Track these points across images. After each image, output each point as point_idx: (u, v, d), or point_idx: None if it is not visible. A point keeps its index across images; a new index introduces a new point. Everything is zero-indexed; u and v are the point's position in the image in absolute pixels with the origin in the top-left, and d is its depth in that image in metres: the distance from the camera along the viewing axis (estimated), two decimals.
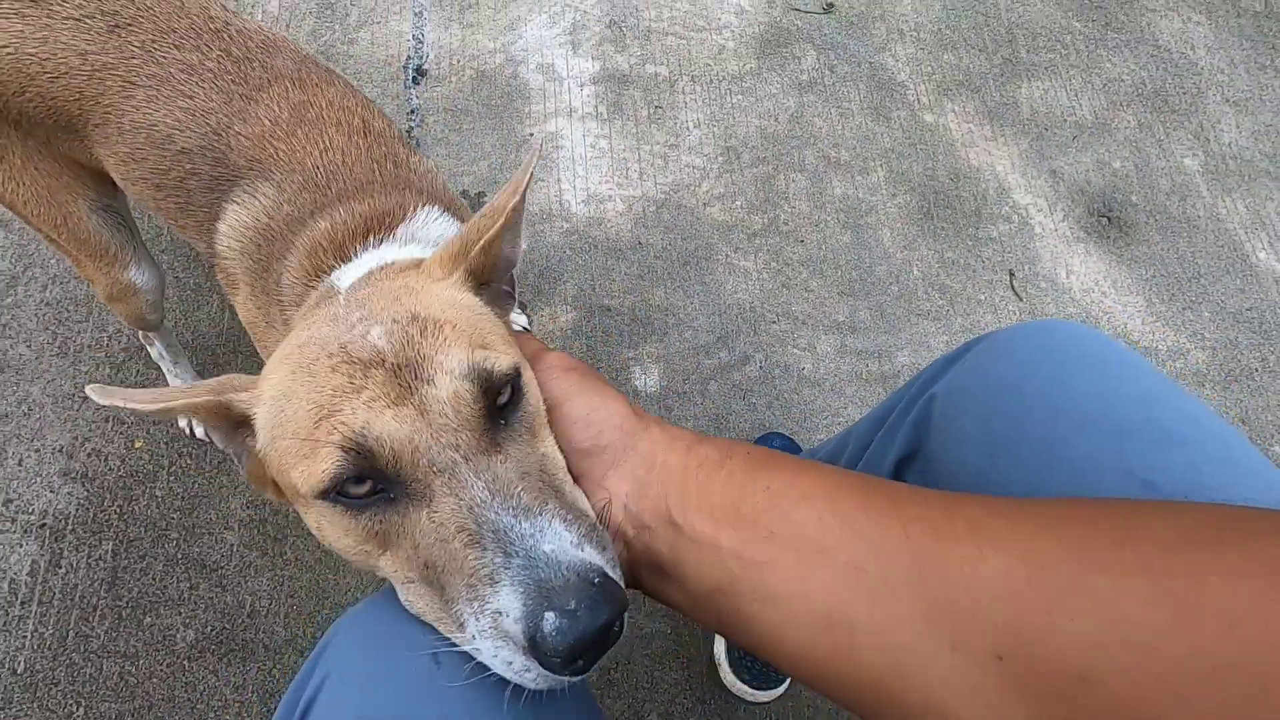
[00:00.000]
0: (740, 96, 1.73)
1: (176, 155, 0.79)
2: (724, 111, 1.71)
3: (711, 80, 1.74)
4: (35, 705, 1.11)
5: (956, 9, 1.93)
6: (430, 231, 0.76)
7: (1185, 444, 0.50)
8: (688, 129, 1.68)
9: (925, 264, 1.62)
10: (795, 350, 1.50)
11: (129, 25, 0.77)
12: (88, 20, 0.76)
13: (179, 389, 0.54)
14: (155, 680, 1.14)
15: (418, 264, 0.63)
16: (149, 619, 1.17)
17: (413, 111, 1.60)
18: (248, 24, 0.83)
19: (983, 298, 1.60)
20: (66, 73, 0.77)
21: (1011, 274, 1.64)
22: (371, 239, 0.72)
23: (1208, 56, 1.98)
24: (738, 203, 1.63)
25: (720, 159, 1.66)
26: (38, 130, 0.83)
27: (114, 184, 0.91)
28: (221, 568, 1.21)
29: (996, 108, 1.82)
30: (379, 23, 1.67)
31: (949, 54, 1.87)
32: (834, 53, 1.82)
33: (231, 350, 1.36)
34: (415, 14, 1.69)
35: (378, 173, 0.79)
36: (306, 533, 1.14)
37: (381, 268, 0.68)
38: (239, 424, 0.56)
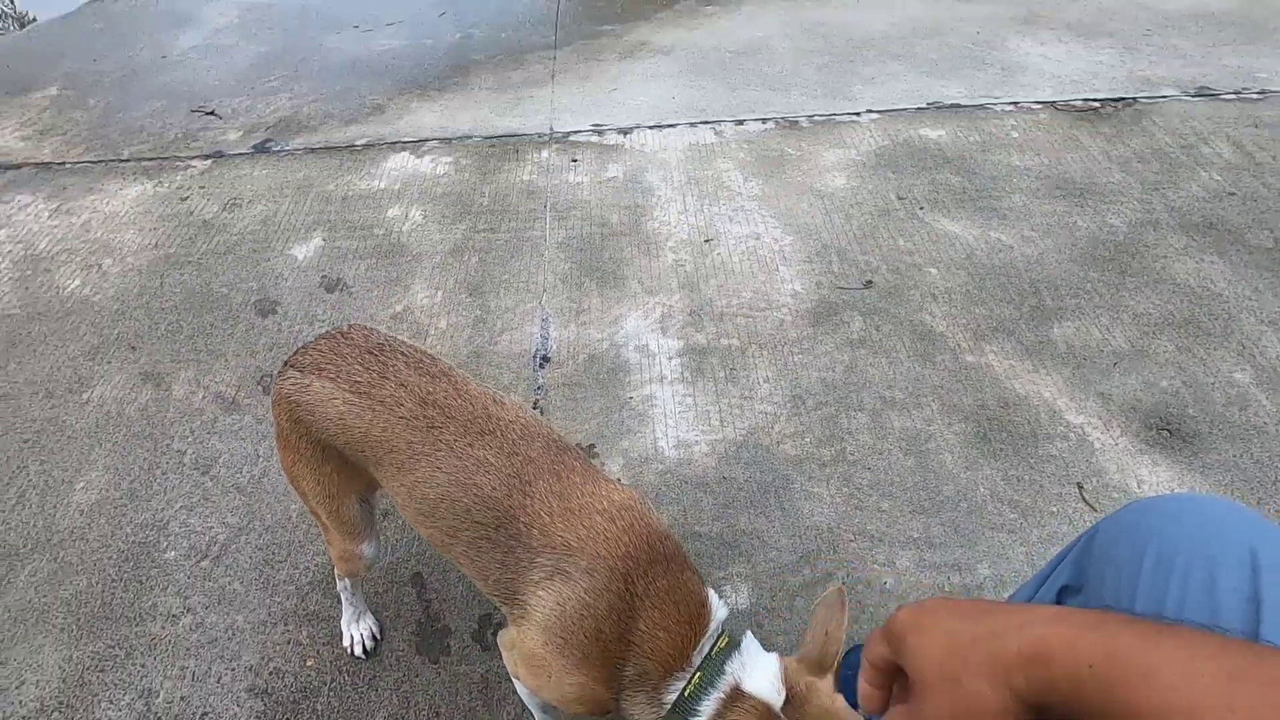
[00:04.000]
0: (801, 355, 2.09)
1: (472, 524, 1.04)
2: (788, 368, 2.06)
3: (776, 345, 2.12)
4: None
5: (980, 273, 2.30)
6: (723, 614, 0.99)
7: None
8: (759, 384, 2.02)
9: (990, 482, 1.76)
10: (875, 566, 1.62)
11: (440, 427, 1.08)
12: (414, 420, 1.08)
13: None
14: None
15: (811, 673, 0.88)
16: None
17: (538, 388, 2.05)
18: (507, 414, 1.11)
19: (1054, 509, 1.69)
20: (392, 450, 1.11)
21: (1080, 486, 1.74)
22: (707, 641, 0.95)
23: (1230, 287, 2.20)
24: (807, 439, 1.88)
25: (789, 405, 1.96)
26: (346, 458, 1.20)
27: (377, 484, 1.22)
28: None
29: (1033, 346, 2.07)
30: (516, 328, 2.22)
31: (979, 308, 2.19)
32: (877, 316, 2.18)
33: (388, 580, 1.65)
34: (542, 320, 2.24)
35: (644, 545, 1.00)
36: None
37: (790, 677, 0.90)
38: None
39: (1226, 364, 1.98)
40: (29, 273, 2.52)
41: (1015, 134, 2.87)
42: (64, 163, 3.03)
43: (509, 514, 1.04)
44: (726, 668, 0.95)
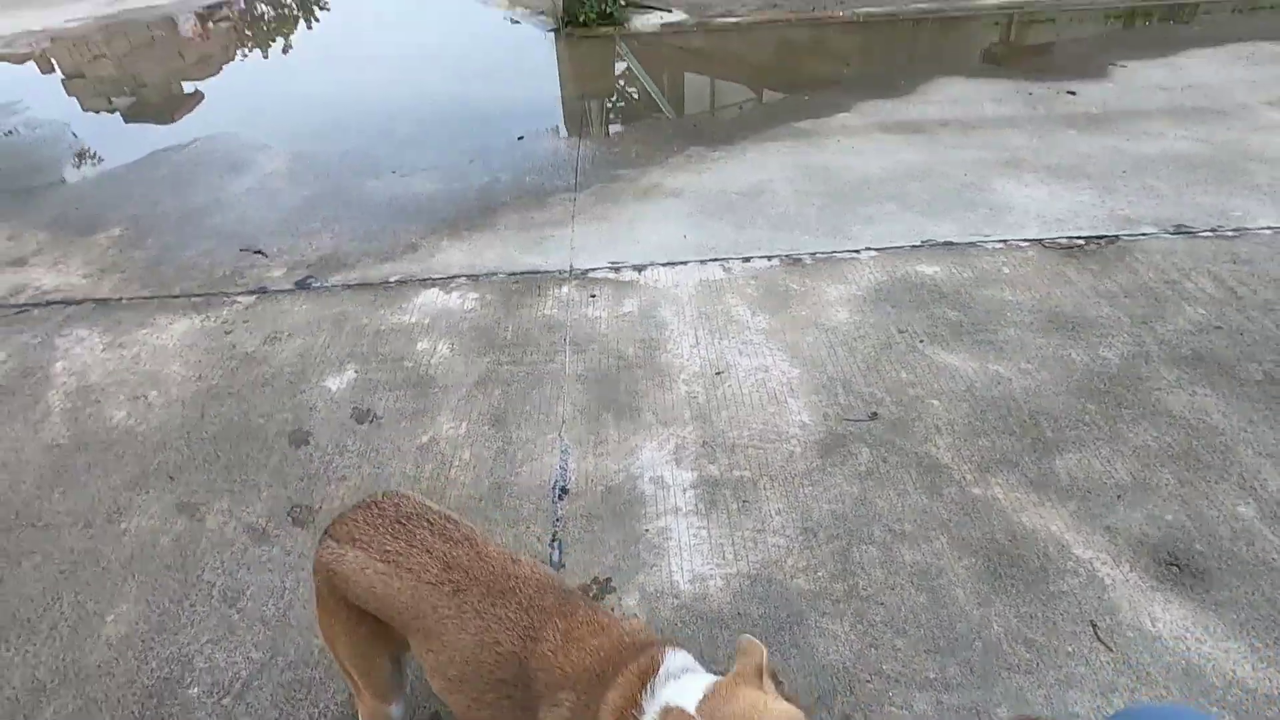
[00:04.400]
0: (811, 487, 2.16)
1: (495, 684, 1.11)
2: (799, 500, 2.12)
3: (786, 477, 2.19)
4: None
5: (981, 405, 2.40)
6: (677, 661, 1.06)
7: None
8: (771, 516, 2.08)
9: (1004, 619, 1.77)
10: (893, 709, 1.61)
11: (464, 590, 1.16)
12: (440, 586, 1.17)
13: None
14: None
15: (738, 682, 0.91)
16: None
17: (557, 519, 2.12)
18: (523, 570, 1.20)
19: (1070, 649, 1.70)
20: (419, 615, 1.19)
21: (1094, 625, 1.75)
22: (654, 680, 1.00)
23: (1225, 420, 2.27)
24: (820, 573, 1.92)
25: (800, 538, 2.01)
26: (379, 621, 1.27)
27: (408, 644, 1.28)
28: None
29: (1037, 478, 2.13)
30: (536, 459, 2.32)
31: (982, 440, 2.27)
32: (884, 448, 2.27)
33: None
34: (562, 451, 2.34)
35: (624, 644, 1.11)
36: None
37: (715, 686, 0.94)
38: None
39: (1229, 498, 2.02)
40: (79, 404, 2.68)
41: (1006, 270, 3.05)
42: (120, 298, 3.28)
43: (524, 665, 1.10)
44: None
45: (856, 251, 3.25)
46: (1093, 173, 3.78)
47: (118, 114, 5.77)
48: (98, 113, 5.82)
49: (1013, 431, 2.29)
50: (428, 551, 1.21)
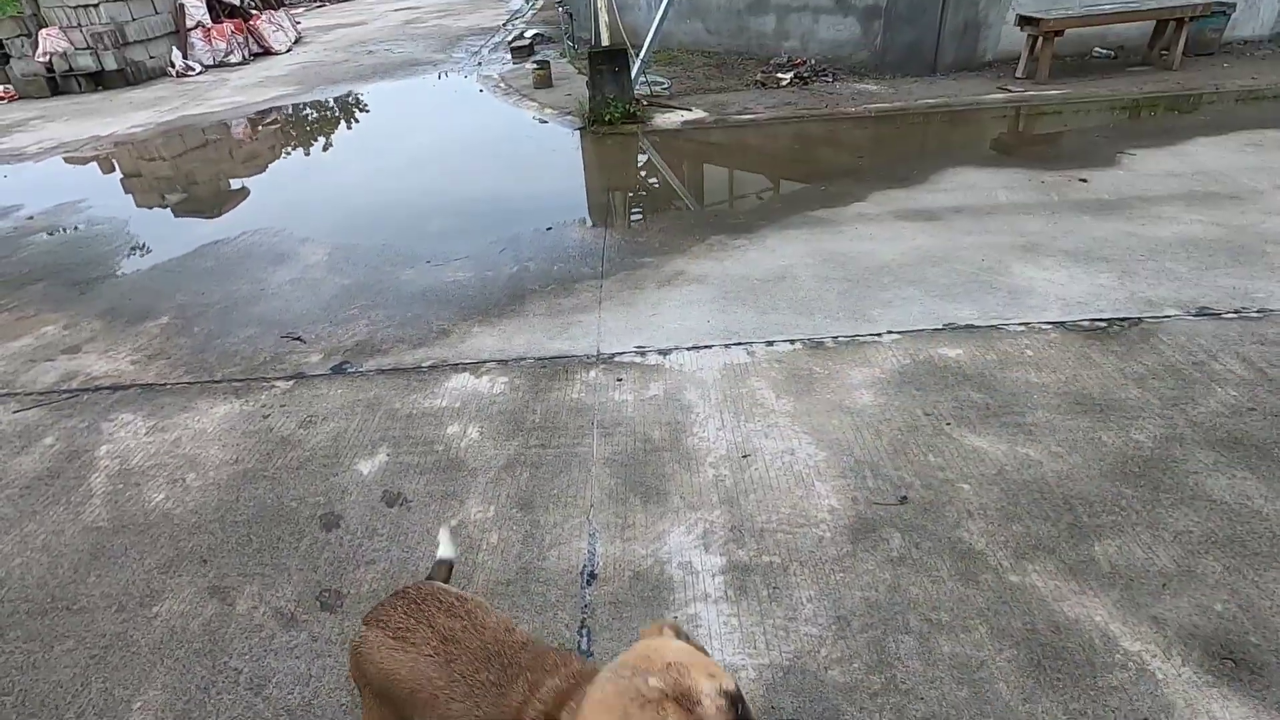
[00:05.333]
0: (842, 574, 2.12)
1: None
2: (830, 587, 2.08)
3: (817, 563, 2.16)
4: None
5: (1012, 489, 2.37)
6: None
7: None
8: (802, 603, 2.04)
9: (1051, 717, 1.70)
10: None
11: (455, 660, 1.22)
12: (435, 658, 1.22)
13: None
14: None
15: (642, 638, 0.98)
16: None
17: (585, 605, 2.09)
18: (516, 638, 1.25)
19: None
20: (416, 689, 1.22)
21: None
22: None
23: (1268, 504, 2.22)
24: (855, 665, 1.86)
25: (834, 626, 1.96)
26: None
27: None
28: None
29: (1075, 565, 2.08)
30: (564, 543, 2.31)
31: (1016, 525, 2.23)
32: (916, 534, 2.23)
33: None
34: (590, 535, 2.34)
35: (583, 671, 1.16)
36: None
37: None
38: None
39: None
40: (120, 486, 2.75)
41: (1030, 352, 3.07)
42: (165, 384, 3.40)
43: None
44: None
45: (878, 335, 3.30)
46: (1110, 256, 3.84)
47: (169, 209, 6.16)
48: (151, 208, 6.22)
49: (1047, 516, 2.25)
50: (430, 626, 1.26)
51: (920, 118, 6.67)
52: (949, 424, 2.69)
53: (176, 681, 1.97)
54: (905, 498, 2.37)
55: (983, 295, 3.56)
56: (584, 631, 2.02)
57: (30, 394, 3.41)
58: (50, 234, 5.65)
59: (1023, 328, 3.26)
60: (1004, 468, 2.46)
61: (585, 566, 2.22)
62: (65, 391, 3.41)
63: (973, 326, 3.30)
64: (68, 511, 2.64)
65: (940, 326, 3.32)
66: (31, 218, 6.03)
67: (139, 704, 1.92)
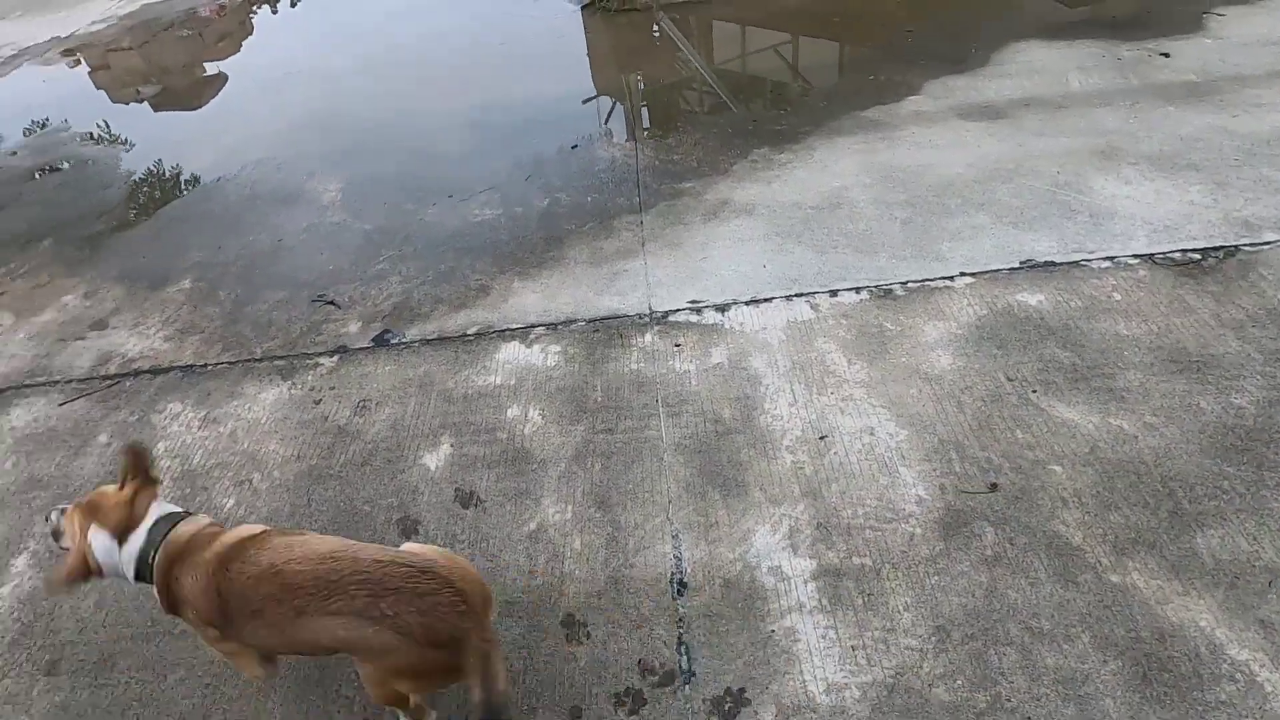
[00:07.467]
0: (937, 577, 2.10)
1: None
2: (926, 592, 2.07)
3: (909, 565, 2.14)
4: None
5: (1108, 471, 2.29)
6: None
7: None
8: (899, 612, 2.04)
9: None
10: None
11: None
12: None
13: None
14: None
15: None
16: None
17: (680, 620, 2.11)
18: None
19: None
20: None
21: None
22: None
23: None
24: (959, 681, 1.88)
25: (934, 639, 1.97)
26: None
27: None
28: None
29: (1178, 561, 2.04)
30: (649, 547, 2.30)
31: (1114, 514, 2.18)
32: (1009, 527, 2.19)
33: None
34: (673, 537, 2.31)
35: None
36: None
37: None
38: None
39: None
40: (188, 491, 2.73)
41: (1117, 296, 2.87)
42: (205, 365, 3.30)
43: None
44: None
45: (950, 278, 3.09)
46: (1200, 162, 3.49)
47: (157, 126, 5.74)
48: (137, 126, 5.78)
49: (1146, 503, 2.19)
50: None
51: None
52: (1035, 391, 2.57)
53: (293, 714, 2.04)
54: (995, 484, 2.31)
55: (1061, 221, 3.29)
56: (682, 648, 2.05)
57: (70, 381, 3.33)
58: (39, 174, 5.30)
59: (1108, 263, 3.03)
60: (1097, 445, 2.37)
61: (674, 574, 2.22)
62: (105, 377, 3.32)
63: (1052, 264, 3.07)
64: None
65: (1018, 265, 3.09)
66: (15, 153, 5.64)
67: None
